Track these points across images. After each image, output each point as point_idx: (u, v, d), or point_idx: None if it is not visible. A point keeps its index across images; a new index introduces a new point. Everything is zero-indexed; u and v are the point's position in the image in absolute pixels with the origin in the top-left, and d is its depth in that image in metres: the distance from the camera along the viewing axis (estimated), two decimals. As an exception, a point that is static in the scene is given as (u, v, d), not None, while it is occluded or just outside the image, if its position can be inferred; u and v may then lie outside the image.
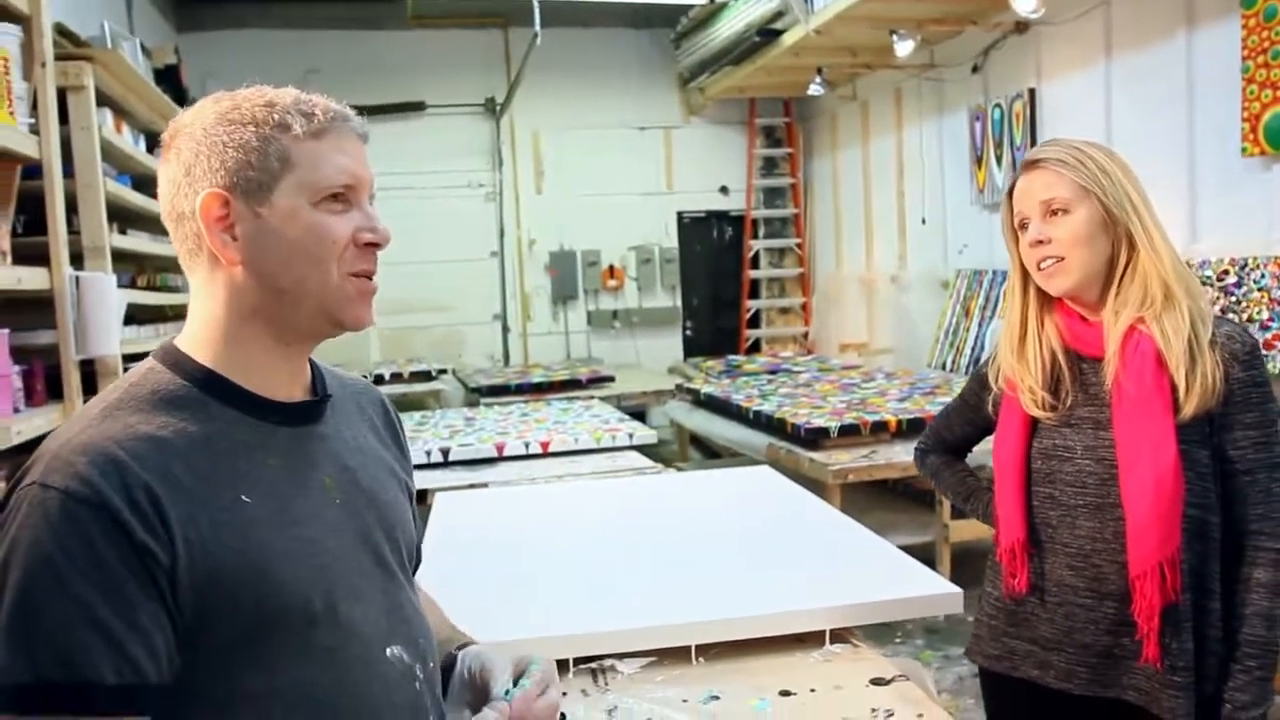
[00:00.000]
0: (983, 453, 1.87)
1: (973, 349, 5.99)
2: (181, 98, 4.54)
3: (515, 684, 1.04)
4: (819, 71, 6.85)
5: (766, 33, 6.51)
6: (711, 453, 6.80)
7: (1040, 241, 1.47)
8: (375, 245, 0.96)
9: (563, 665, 1.83)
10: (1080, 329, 1.50)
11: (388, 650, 0.95)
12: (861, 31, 5.95)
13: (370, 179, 0.98)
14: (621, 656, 1.89)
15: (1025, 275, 1.54)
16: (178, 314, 4.63)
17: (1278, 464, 1.43)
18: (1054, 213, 1.46)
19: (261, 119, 0.92)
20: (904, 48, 5.74)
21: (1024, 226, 1.50)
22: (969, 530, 4.17)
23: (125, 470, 0.83)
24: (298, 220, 0.92)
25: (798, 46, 6.32)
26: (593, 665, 1.87)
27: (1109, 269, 1.47)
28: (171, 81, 4.67)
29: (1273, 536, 1.42)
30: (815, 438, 4.32)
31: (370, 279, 0.97)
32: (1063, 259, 1.45)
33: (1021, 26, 5.55)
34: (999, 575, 1.58)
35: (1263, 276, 3.86)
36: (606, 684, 1.82)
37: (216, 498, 0.87)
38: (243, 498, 0.88)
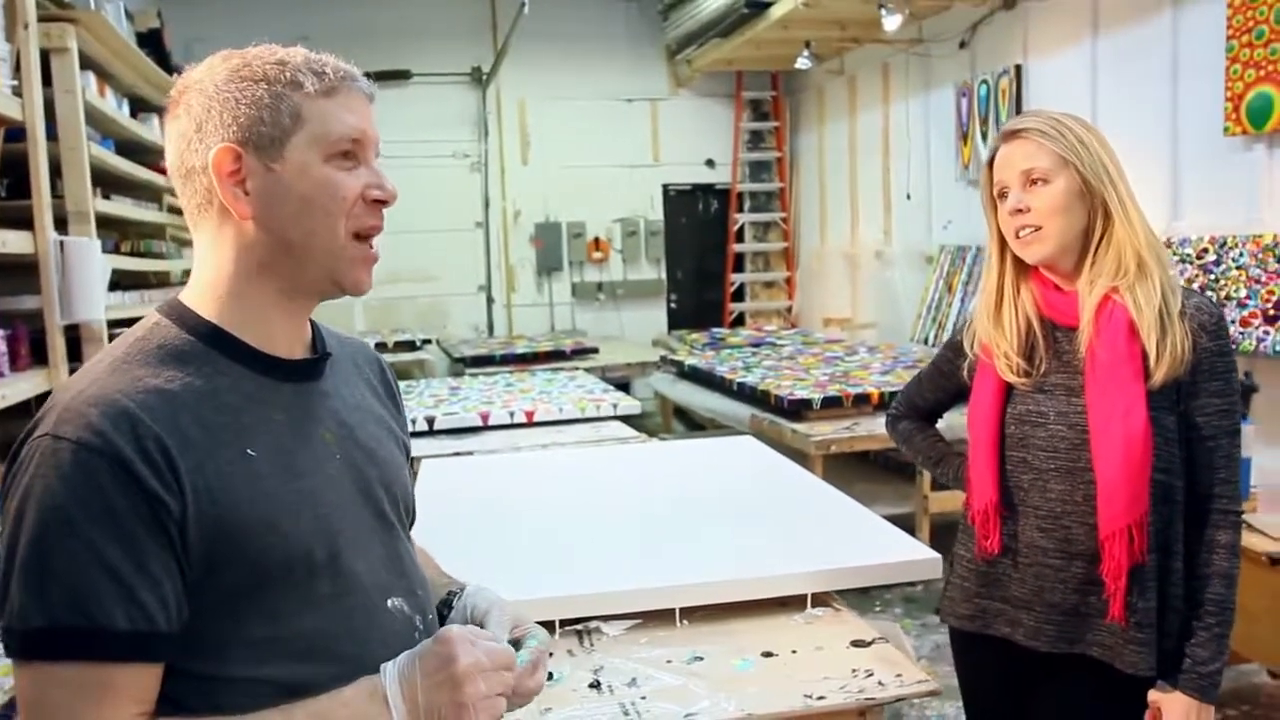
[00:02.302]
0: (959, 426, 1.91)
1: (955, 324, 6.03)
2: (165, 62, 4.49)
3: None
4: (807, 45, 6.84)
5: (755, 5, 6.48)
6: (694, 424, 6.84)
7: (1019, 210, 1.49)
8: (383, 202, 0.98)
9: (549, 627, 1.86)
10: (1055, 298, 1.54)
11: (389, 601, 0.98)
12: (850, 5, 5.94)
13: (377, 137, 1.00)
14: (607, 619, 1.93)
15: (1003, 243, 1.57)
16: (160, 280, 4.59)
17: (1239, 430, 1.48)
18: (1033, 182, 1.48)
19: (274, 76, 0.94)
20: (892, 22, 5.74)
21: (1003, 195, 1.53)
22: (948, 501, 4.23)
23: (136, 421, 0.84)
24: (309, 175, 0.94)
25: (786, 19, 6.30)
26: (578, 627, 1.91)
27: (1084, 239, 1.50)
28: (154, 46, 4.61)
29: (1233, 500, 1.48)
30: (798, 409, 4.36)
31: (373, 243, 0.99)
32: (1040, 228, 1.48)
33: (1009, 2, 5.56)
34: (971, 537, 1.62)
35: (1241, 255, 3.91)
36: (592, 645, 1.85)
37: (223, 450, 0.89)
38: (248, 450, 0.91)
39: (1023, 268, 1.56)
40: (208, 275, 0.97)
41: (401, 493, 1.08)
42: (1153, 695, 1.48)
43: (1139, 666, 1.45)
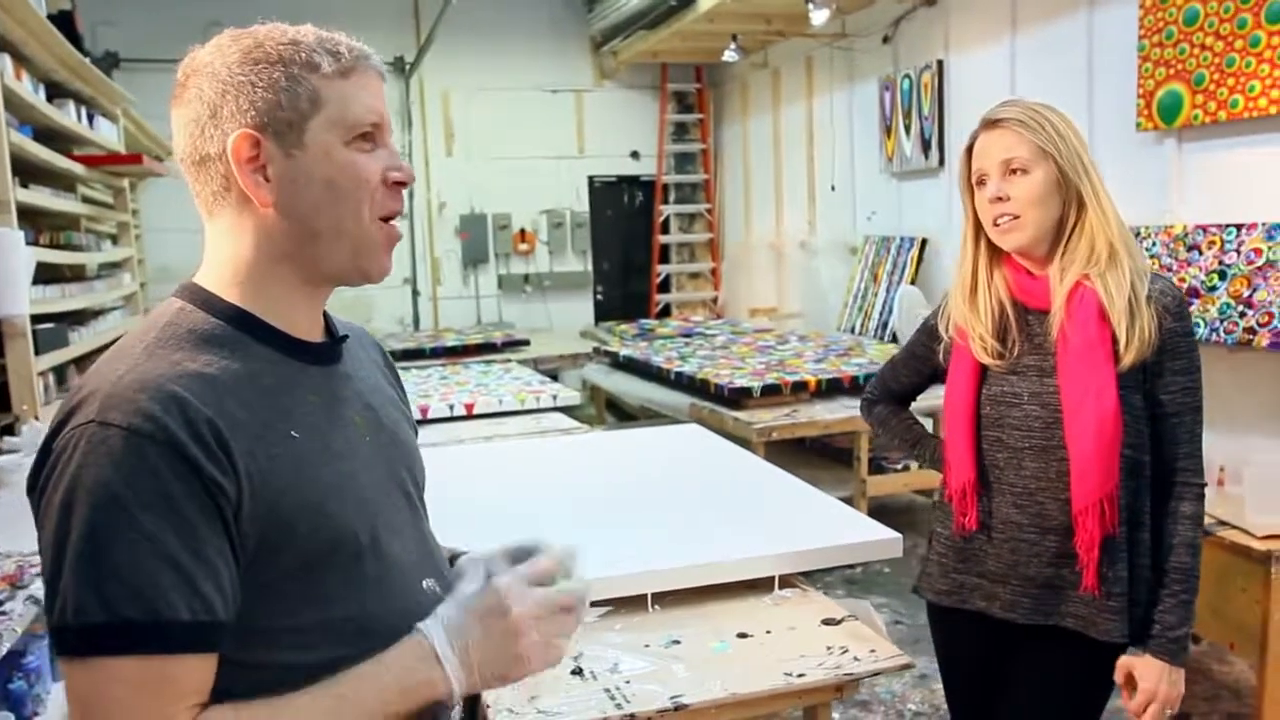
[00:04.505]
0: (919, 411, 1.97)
1: (881, 313, 6.18)
2: (78, 45, 4.30)
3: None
4: (734, 38, 6.90)
5: (682, -3, 6.52)
6: (625, 415, 6.86)
7: (999, 199, 1.54)
8: (403, 184, 0.97)
9: (523, 616, 1.86)
10: (1027, 283, 1.59)
11: (423, 582, 0.98)
12: (777, -1, 6.03)
13: (390, 118, 0.98)
14: (580, 606, 1.94)
15: (977, 228, 1.62)
16: (76, 274, 4.40)
17: (1200, 407, 1.56)
18: (1013, 172, 1.53)
19: (289, 58, 0.91)
20: (819, 16, 5.83)
21: (982, 183, 1.57)
22: (885, 485, 4.36)
23: (186, 406, 0.82)
24: (332, 160, 0.92)
25: (713, 12, 6.35)
26: (553, 615, 1.91)
27: (1058, 227, 1.56)
28: (67, 28, 4.41)
29: (1196, 473, 1.56)
30: (738, 397, 4.42)
31: (395, 224, 0.98)
32: (1019, 216, 1.54)
33: (931, -1, 5.71)
34: (948, 515, 1.67)
35: (1154, 245, 4.10)
36: (569, 632, 1.86)
37: (270, 432, 0.87)
38: (292, 433, 0.89)
39: (996, 252, 1.61)
40: (228, 261, 0.94)
41: (420, 474, 1.08)
42: (1124, 660, 1.55)
43: (1113, 634, 1.52)
